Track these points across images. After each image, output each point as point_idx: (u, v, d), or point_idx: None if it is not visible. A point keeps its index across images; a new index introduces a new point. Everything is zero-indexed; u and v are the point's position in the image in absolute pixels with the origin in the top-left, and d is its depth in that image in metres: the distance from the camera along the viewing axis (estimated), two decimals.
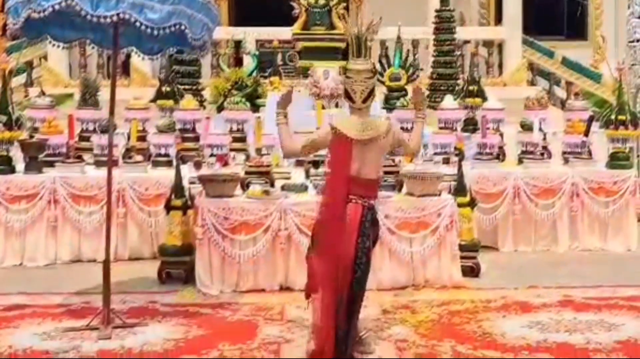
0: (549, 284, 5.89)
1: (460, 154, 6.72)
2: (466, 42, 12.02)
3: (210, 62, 11.40)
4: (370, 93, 4.43)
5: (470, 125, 8.06)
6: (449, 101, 8.20)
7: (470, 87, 8.62)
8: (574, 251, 7.10)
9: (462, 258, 6.01)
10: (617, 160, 7.30)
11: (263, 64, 10.07)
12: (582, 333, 4.74)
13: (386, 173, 6.14)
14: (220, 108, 8.67)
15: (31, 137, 7.04)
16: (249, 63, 10.14)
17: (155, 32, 4.73)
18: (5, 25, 6.88)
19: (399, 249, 5.83)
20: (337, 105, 8.86)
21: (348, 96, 4.44)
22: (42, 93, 7.91)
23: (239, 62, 11.05)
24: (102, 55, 11.58)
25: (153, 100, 8.45)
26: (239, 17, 14.47)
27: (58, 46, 5.51)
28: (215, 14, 5.25)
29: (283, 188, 6.17)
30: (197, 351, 4.43)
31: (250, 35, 10.80)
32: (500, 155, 7.62)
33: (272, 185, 6.25)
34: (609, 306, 5.30)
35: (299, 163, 7.32)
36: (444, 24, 10.31)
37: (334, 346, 4.21)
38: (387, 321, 5.02)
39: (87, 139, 7.38)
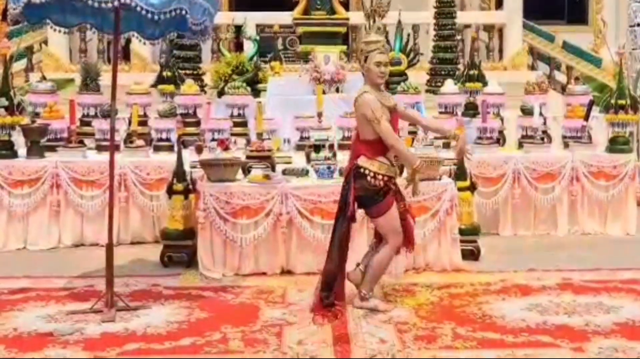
0: (549, 267, 5.94)
1: None
2: (467, 26, 12.01)
3: (211, 47, 11.41)
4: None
5: (471, 110, 8.08)
6: (449, 86, 8.21)
7: (471, 72, 8.62)
8: (574, 235, 7.14)
9: (462, 241, 6.05)
10: (617, 145, 7.32)
11: (264, 49, 10.07)
12: (581, 315, 4.79)
13: None
14: (221, 93, 8.68)
15: (33, 121, 7.06)
16: (249, 48, 10.12)
17: (156, 17, 4.74)
18: (5, 10, 6.89)
19: None
20: (337, 90, 8.88)
21: None
22: (43, 78, 7.92)
23: (239, 47, 11.04)
24: (103, 40, 11.59)
25: (154, 85, 8.46)
26: (240, 2, 14.44)
27: (59, 31, 5.49)
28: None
29: (284, 172, 6.19)
30: (200, 334, 4.47)
31: (251, 20, 10.79)
32: (501, 140, 7.66)
33: (273, 170, 6.28)
34: (607, 289, 5.34)
35: (299, 148, 7.37)
36: (445, 9, 10.31)
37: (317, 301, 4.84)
38: (388, 303, 5.04)
39: (89, 124, 7.40)
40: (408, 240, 5.03)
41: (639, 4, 9.80)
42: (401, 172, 6.06)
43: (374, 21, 4.96)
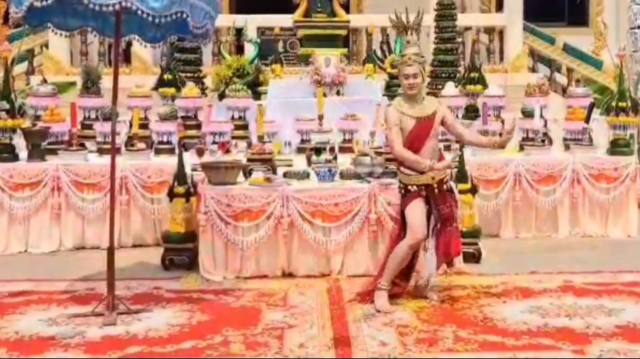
0: (550, 269, 5.93)
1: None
2: (467, 29, 12.02)
3: (212, 50, 11.42)
4: None
5: (472, 112, 8.08)
6: (450, 88, 8.21)
7: (472, 74, 8.63)
8: (575, 237, 7.14)
9: (463, 244, 6.01)
10: (617, 147, 7.32)
11: (264, 52, 10.08)
12: (582, 317, 4.78)
13: (387, 160, 6.18)
14: (221, 96, 8.69)
15: (34, 124, 7.07)
16: (250, 50, 10.13)
17: (157, 21, 4.74)
18: (6, 13, 6.91)
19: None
20: (338, 93, 8.89)
21: None
22: (44, 81, 7.93)
23: (240, 50, 11.05)
24: (104, 43, 11.60)
25: (155, 88, 8.47)
26: (241, 5, 14.46)
27: (60, 34, 5.50)
28: (217, 2, 5.26)
29: (285, 175, 6.19)
30: (201, 337, 4.48)
31: (252, 22, 10.80)
32: None
33: (274, 172, 6.27)
34: (609, 291, 5.34)
35: (300, 151, 7.37)
36: (445, 11, 10.30)
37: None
38: (391, 306, 5.05)
39: (90, 127, 7.42)
40: (443, 250, 5.14)
41: (639, 6, 9.81)
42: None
43: (406, 35, 5.12)
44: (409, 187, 5.06)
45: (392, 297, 5.10)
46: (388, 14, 8.56)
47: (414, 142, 5.03)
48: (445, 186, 5.12)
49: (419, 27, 5.26)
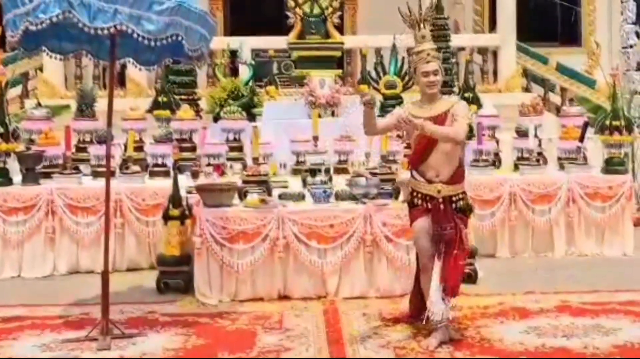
0: (546, 289, 5.92)
1: None
2: (461, 49, 12.08)
3: (206, 72, 11.44)
4: None
5: None
6: None
7: (466, 94, 8.66)
8: (571, 257, 7.13)
9: None
10: (612, 166, 7.34)
11: (259, 73, 10.10)
12: (580, 337, 4.76)
13: (383, 180, 6.18)
14: (216, 118, 8.70)
15: (28, 148, 7.05)
16: (245, 72, 10.15)
17: (152, 44, 4.75)
18: (0, 37, 6.92)
19: (397, 256, 5.84)
20: (333, 114, 8.90)
21: None
22: (38, 104, 7.93)
23: (235, 72, 11.07)
24: (98, 66, 11.61)
25: (149, 111, 8.47)
26: (235, 27, 14.52)
27: (55, 57, 5.52)
28: (212, 25, 5.28)
29: (280, 197, 6.18)
30: None
31: (246, 44, 10.83)
32: (496, 162, 7.68)
33: (270, 194, 6.26)
34: (606, 310, 5.32)
35: (296, 172, 7.36)
36: (439, 32, 10.33)
37: None
38: (385, 327, 5.03)
39: (84, 150, 7.40)
40: (445, 279, 4.64)
41: (631, 25, 9.89)
42: (397, 196, 6.07)
43: (419, 29, 4.82)
44: (415, 199, 4.74)
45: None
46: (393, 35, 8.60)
47: (422, 145, 4.65)
48: (454, 204, 4.71)
49: (432, 19, 4.97)
